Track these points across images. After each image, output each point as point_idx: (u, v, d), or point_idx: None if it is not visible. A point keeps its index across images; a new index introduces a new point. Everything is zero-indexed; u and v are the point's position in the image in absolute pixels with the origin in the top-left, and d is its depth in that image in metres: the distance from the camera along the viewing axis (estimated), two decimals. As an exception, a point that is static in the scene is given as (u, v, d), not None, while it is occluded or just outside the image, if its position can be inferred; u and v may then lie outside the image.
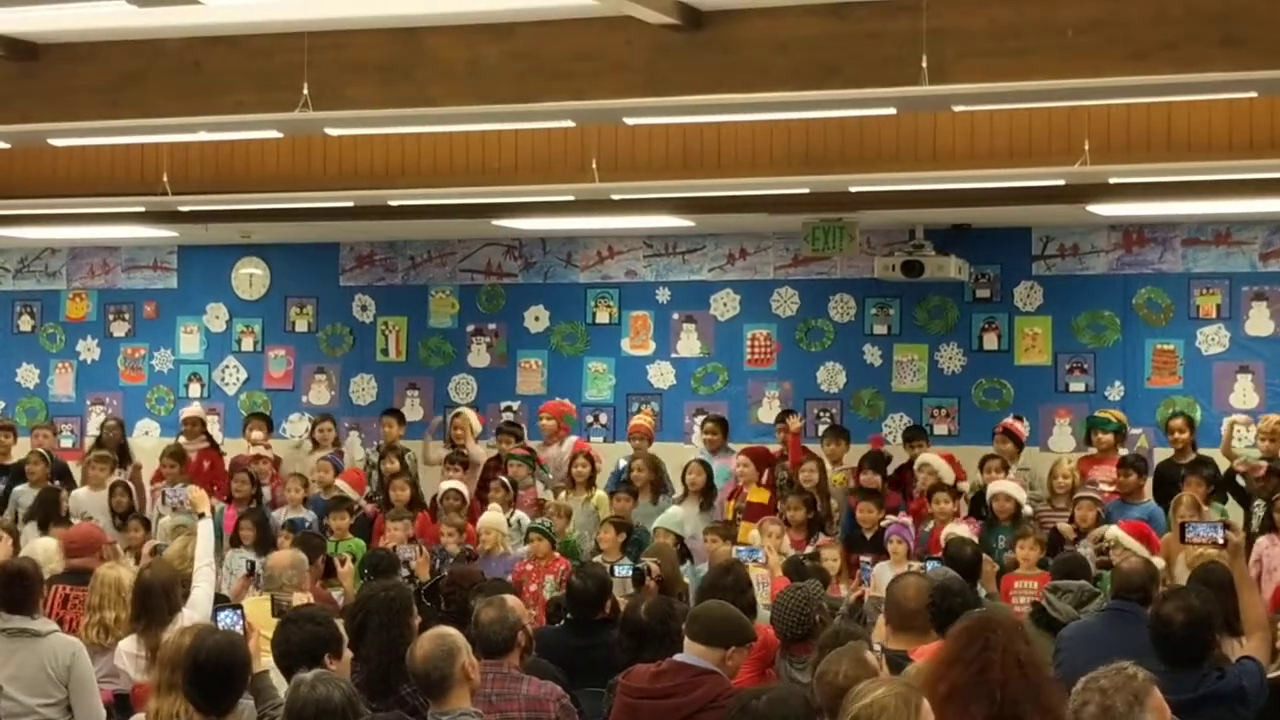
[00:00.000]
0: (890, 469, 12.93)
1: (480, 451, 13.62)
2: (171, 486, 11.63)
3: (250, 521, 11.98)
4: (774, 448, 13.38)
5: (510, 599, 7.36)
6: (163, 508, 12.36)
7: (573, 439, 13.82)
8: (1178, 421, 12.56)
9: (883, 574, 9.97)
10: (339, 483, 12.97)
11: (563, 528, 11.93)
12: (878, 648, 6.49)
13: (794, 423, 12.90)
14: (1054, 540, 11.17)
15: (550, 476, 13.24)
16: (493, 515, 11.71)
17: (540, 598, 10.55)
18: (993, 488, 11.72)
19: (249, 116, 10.65)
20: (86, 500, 13.07)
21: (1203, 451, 12.43)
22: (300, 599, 7.80)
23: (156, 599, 7.96)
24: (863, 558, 10.88)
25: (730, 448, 13.46)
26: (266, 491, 13.42)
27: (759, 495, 12.51)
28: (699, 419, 14.32)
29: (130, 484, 13.32)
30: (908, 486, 12.81)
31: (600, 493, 12.82)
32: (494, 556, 11.34)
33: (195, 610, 7.91)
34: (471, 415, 14.00)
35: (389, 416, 14.51)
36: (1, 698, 7.27)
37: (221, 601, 8.24)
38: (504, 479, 12.68)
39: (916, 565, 8.76)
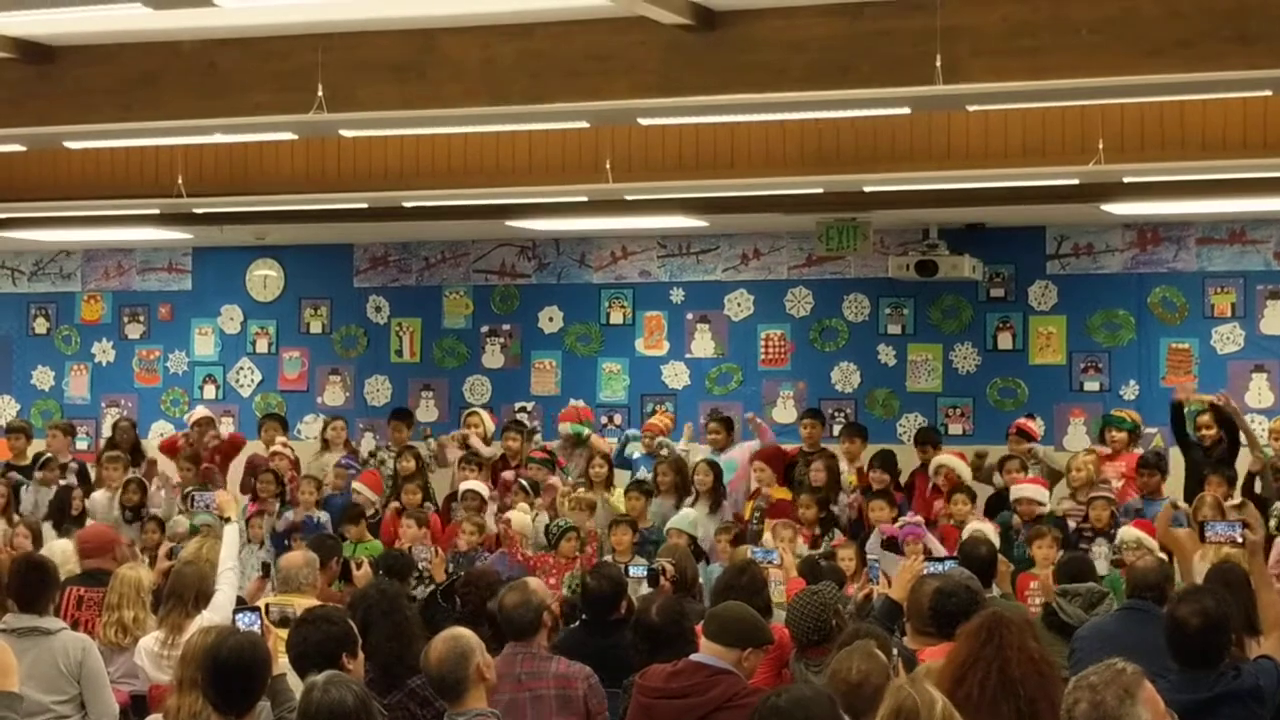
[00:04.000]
0: (902, 474, 12.93)
1: (491, 450, 13.63)
2: (200, 491, 11.66)
3: (261, 521, 11.97)
4: (790, 447, 13.39)
5: (532, 581, 7.49)
6: (189, 509, 12.30)
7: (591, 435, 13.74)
8: (1205, 418, 12.53)
9: (891, 569, 9.91)
10: (357, 484, 12.97)
11: (585, 520, 11.96)
12: (894, 649, 6.48)
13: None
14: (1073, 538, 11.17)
15: (570, 479, 13.21)
16: (520, 516, 11.70)
17: (558, 592, 10.54)
18: (1015, 491, 11.69)
19: (264, 118, 10.67)
20: (102, 501, 13.08)
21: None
22: (304, 603, 7.79)
23: (187, 585, 8.02)
24: (870, 555, 10.87)
25: (736, 444, 13.46)
26: (286, 491, 13.42)
27: (781, 493, 12.52)
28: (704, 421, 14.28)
29: (145, 480, 13.34)
30: (920, 490, 12.79)
31: (619, 491, 12.82)
32: (507, 556, 11.33)
33: (216, 613, 7.92)
34: (485, 415, 14.02)
35: (397, 420, 14.53)
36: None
37: (238, 603, 8.25)
38: (523, 482, 12.66)
39: (935, 566, 8.70)
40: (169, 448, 14.22)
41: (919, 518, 11.73)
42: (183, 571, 8.33)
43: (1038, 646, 5.85)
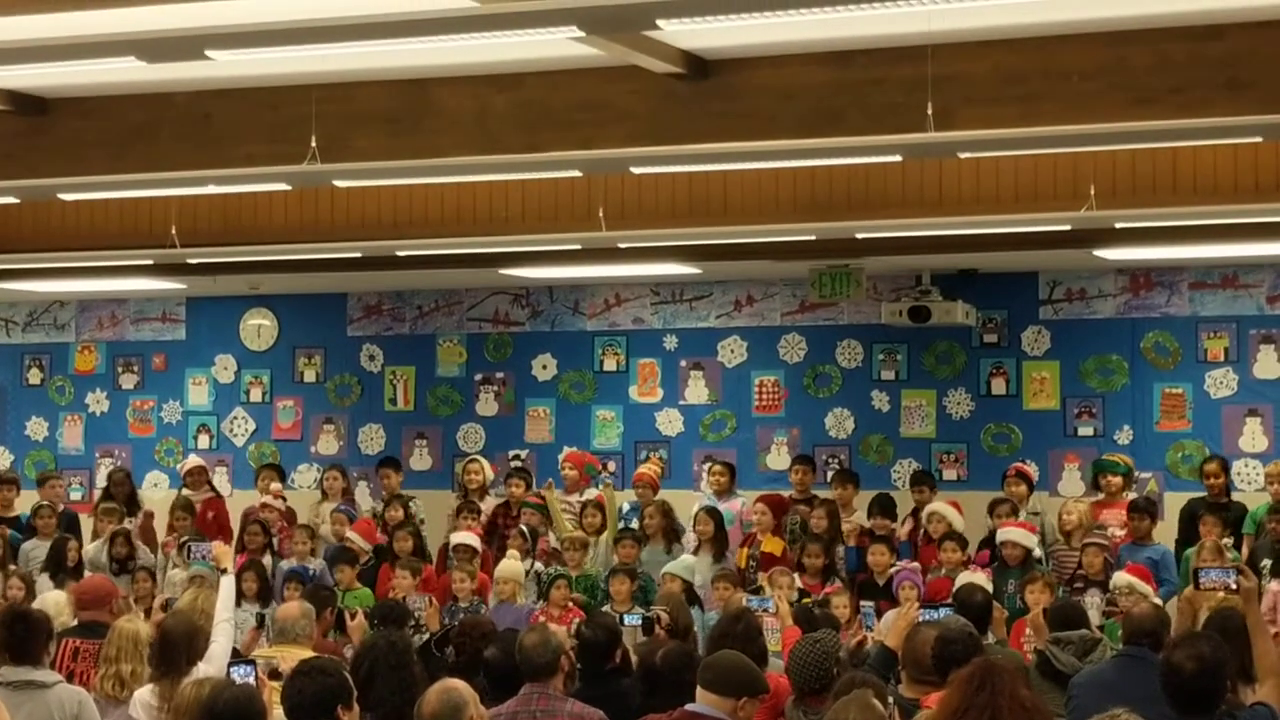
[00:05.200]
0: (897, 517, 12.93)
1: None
2: (197, 542, 11.63)
3: (252, 573, 11.96)
4: (788, 493, 13.39)
5: (552, 624, 7.51)
6: (184, 560, 12.25)
7: (594, 491, 13.72)
8: (1213, 465, 12.59)
9: (889, 621, 9.92)
10: (350, 533, 12.95)
11: (580, 560, 11.93)
12: (890, 698, 6.46)
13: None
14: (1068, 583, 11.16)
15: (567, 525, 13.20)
16: (512, 564, 11.68)
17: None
18: (1001, 534, 11.71)
19: (257, 169, 10.69)
20: (96, 553, 13.04)
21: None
22: (299, 654, 7.75)
23: (176, 648, 7.96)
24: (863, 602, 10.85)
25: (737, 492, 13.45)
26: (275, 542, 13.39)
27: (773, 545, 12.45)
28: (706, 465, 14.27)
29: (131, 532, 13.29)
30: (913, 534, 12.78)
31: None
32: (505, 605, 11.30)
33: (211, 665, 7.88)
34: (485, 464, 14.03)
35: (386, 467, 14.50)
36: None
37: (233, 655, 8.22)
38: (522, 528, 12.65)
39: (930, 614, 8.69)
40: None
41: (917, 564, 11.73)
42: (177, 623, 8.29)
43: (1029, 694, 5.84)
